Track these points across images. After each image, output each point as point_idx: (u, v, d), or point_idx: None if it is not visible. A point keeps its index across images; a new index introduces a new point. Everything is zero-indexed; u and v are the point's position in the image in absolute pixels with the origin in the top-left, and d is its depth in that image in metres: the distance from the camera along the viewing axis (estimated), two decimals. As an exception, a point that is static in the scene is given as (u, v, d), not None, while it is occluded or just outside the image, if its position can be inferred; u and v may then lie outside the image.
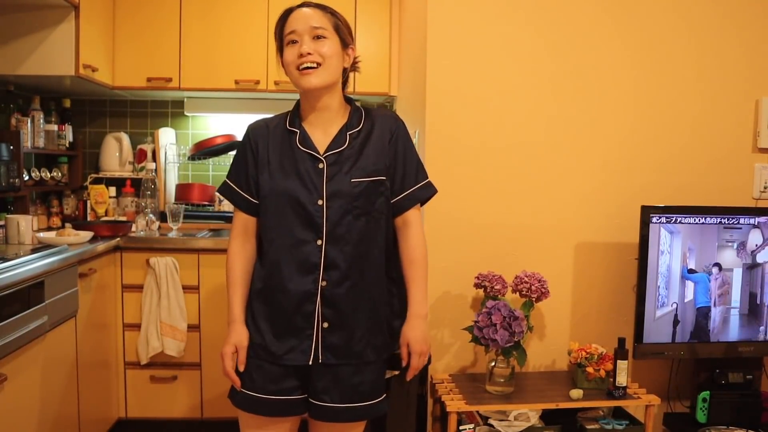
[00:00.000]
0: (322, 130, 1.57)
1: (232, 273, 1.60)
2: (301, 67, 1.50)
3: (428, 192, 1.65)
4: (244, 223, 1.61)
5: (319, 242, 1.51)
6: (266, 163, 1.56)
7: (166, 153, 3.21)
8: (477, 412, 2.22)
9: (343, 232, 1.52)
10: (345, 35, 1.56)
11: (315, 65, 1.50)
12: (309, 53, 1.49)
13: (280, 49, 1.57)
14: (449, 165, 2.36)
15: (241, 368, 1.56)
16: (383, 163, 1.57)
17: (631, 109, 2.43)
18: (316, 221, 1.51)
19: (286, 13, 1.56)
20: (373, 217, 1.56)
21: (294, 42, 1.52)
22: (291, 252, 1.52)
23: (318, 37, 1.51)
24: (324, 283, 1.52)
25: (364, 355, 1.56)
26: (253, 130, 1.61)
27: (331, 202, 1.51)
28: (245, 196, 1.60)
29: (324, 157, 1.54)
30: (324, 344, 1.53)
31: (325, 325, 1.53)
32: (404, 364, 1.59)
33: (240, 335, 1.57)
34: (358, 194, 1.53)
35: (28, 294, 1.91)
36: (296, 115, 1.61)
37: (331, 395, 1.54)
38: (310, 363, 1.52)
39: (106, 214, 3.11)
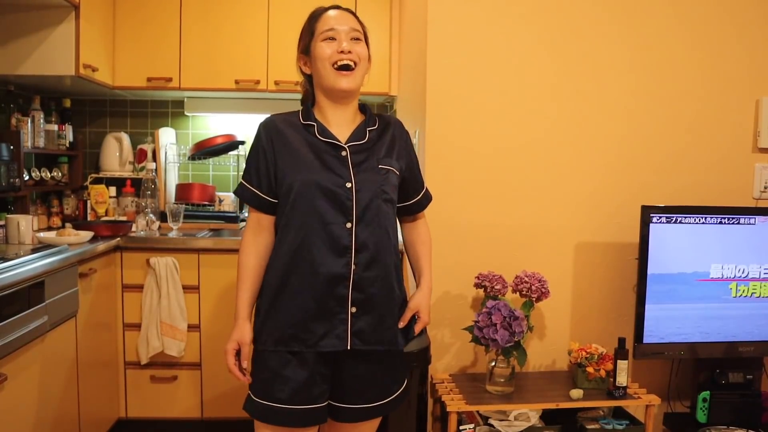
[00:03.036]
0: (339, 128, 1.59)
1: (241, 267, 1.60)
2: (338, 65, 1.52)
3: (429, 194, 1.78)
4: (258, 218, 1.61)
5: (348, 225, 1.51)
6: (284, 158, 1.54)
7: (166, 153, 3.21)
8: (477, 412, 2.22)
9: (372, 216, 1.53)
10: (369, 46, 1.61)
11: (353, 65, 1.53)
12: (350, 51, 1.52)
13: (306, 47, 1.58)
14: (449, 165, 2.36)
15: (244, 364, 1.57)
16: (401, 165, 1.63)
17: (632, 109, 2.43)
18: (346, 204, 1.51)
19: (320, 11, 1.58)
20: (393, 206, 1.61)
21: (332, 39, 1.53)
22: (321, 234, 1.50)
23: (354, 39, 1.55)
24: (354, 267, 1.51)
25: (397, 342, 1.60)
26: (265, 127, 1.59)
27: (360, 185, 1.52)
28: (254, 191, 1.58)
29: (346, 146, 1.56)
30: (353, 330, 1.53)
31: (354, 310, 1.52)
32: (402, 325, 1.61)
33: (242, 332, 1.56)
34: (385, 180, 1.56)
35: (28, 294, 1.91)
36: (310, 112, 1.60)
37: (364, 396, 1.57)
38: (348, 348, 1.52)
39: (107, 214, 3.11)
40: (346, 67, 1.52)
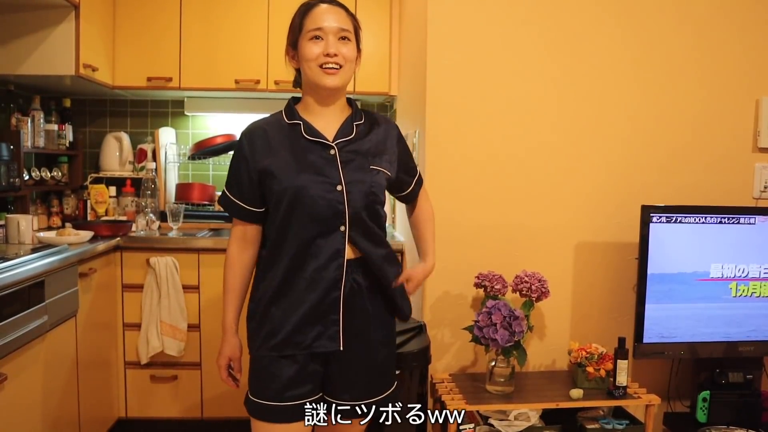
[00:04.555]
0: (326, 123, 1.57)
1: (227, 280, 1.60)
2: (324, 66, 1.50)
3: (420, 178, 1.80)
4: (243, 230, 1.59)
5: (342, 228, 1.50)
6: (270, 165, 1.51)
7: (166, 153, 3.21)
8: (477, 411, 2.22)
9: (365, 217, 1.53)
10: (360, 40, 1.59)
11: (338, 66, 1.51)
12: (336, 54, 1.50)
13: (295, 41, 1.55)
14: (449, 165, 2.36)
15: (238, 376, 1.63)
16: (391, 161, 1.62)
17: (632, 109, 2.43)
18: (338, 208, 1.49)
19: (310, 6, 1.55)
20: (382, 207, 1.60)
21: (318, 38, 1.51)
22: (315, 241, 1.49)
23: (342, 39, 1.52)
24: (349, 269, 1.52)
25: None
26: (246, 135, 1.56)
27: (351, 186, 1.51)
28: (240, 204, 1.56)
29: (334, 144, 1.54)
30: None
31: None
32: (395, 285, 1.60)
33: (232, 347, 1.61)
34: (375, 180, 1.54)
35: (28, 294, 1.91)
36: (294, 110, 1.59)
37: (358, 392, 1.59)
38: (341, 348, 1.53)
39: (107, 213, 3.11)
40: (332, 68, 1.51)
